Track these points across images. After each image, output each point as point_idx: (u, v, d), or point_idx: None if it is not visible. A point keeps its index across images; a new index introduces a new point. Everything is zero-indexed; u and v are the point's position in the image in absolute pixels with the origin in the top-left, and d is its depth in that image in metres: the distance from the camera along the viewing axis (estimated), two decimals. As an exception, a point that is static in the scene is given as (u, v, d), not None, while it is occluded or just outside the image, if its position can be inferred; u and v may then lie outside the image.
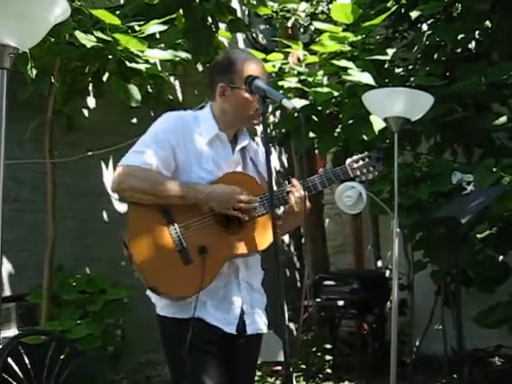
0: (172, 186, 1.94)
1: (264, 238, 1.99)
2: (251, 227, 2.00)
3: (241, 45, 5.74)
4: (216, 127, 2.05)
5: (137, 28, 3.39)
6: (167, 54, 3.39)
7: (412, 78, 4.05)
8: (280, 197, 2.03)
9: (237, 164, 2.09)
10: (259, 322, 2.08)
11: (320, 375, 4.75)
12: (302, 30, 5.95)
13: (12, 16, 1.50)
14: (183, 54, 3.49)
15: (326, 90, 4.05)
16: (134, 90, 3.34)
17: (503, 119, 3.80)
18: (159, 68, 3.70)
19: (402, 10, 4.44)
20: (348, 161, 2.16)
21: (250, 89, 1.92)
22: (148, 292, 2.07)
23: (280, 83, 4.16)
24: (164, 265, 1.92)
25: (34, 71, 3.02)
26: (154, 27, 3.39)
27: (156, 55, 3.34)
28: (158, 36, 3.53)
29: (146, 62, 3.34)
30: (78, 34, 3.11)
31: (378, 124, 3.68)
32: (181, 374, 1.98)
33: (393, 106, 2.86)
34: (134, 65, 3.28)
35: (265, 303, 2.13)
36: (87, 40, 3.11)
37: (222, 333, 1.99)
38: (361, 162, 2.15)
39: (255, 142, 2.24)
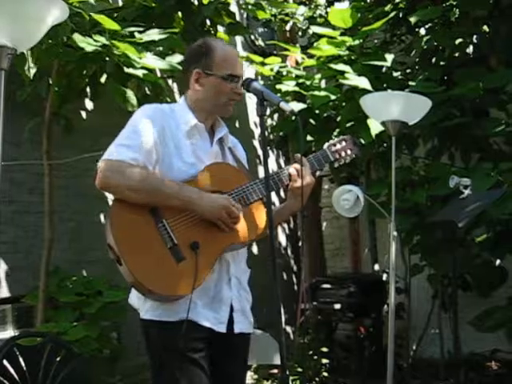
0: (162, 187, 1.88)
1: (256, 225, 1.97)
2: (243, 215, 1.95)
3: (239, 48, 5.75)
4: (193, 118, 2.00)
5: (136, 35, 3.39)
6: (164, 64, 3.39)
7: (410, 83, 4.06)
8: (276, 179, 2.03)
9: (216, 155, 2.04)
10: (246, 322, 2.04)
11: (316, 379, 4.74)
12: (300, 33, 5.96)
13: (9, 17, 1.50)
14: (180, 58, 3.49)
15: (323, 93, 4.06)
16: (131, 95, 3.34)
17: (501, 127, 3.81)
18: (157, 71, 3.70)
19: (400, 14, 4.45)
20: (326, 145, 2.18)
21: (247, 91, 1.90)
22: (131, 299, 2.00)
23: (278, 86, 4.17)
24: (156, 264, 1.84)
25: (33, 71, 3.02)
26: (153, 36, 3.40)
27: (153, 64, 3.34)
28: (156, 39, 3.53)
29: (144, 67, 3.34)
30: (77, 36, 3.11)
31: (375, 127, 3.69)
32: (165, 382, 1.92)
33: (390, 109, 2.87)
34: (131, 70, 3.28)
35: (251, 302, 2.08)
36: (86, 43, 3.11)
37: (211, 333, 1.92)
38: (338, 146, 2.19)
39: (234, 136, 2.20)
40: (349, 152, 2.19)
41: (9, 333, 3.77)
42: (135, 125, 1.95)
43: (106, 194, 4.41)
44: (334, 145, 2.18)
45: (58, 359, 2.62)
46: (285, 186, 2.06)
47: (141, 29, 3.45)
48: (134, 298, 1.97)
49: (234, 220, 1.92)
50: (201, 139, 2.02)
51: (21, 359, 2.53)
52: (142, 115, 1.97)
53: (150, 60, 3.33)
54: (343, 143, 2.19)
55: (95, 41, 3.15)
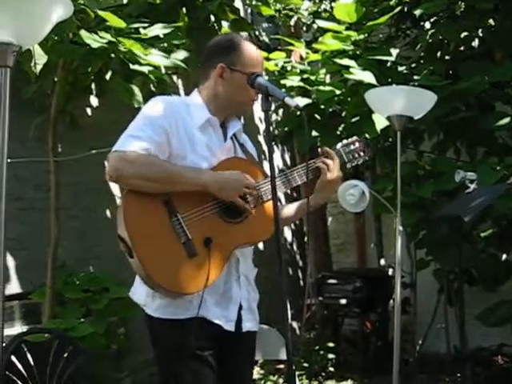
0: (175, 171, 1.85)
1: (271, 224, 1.90)
2: (256, 214, 1.93)
3: (243, 43, 5.74)
4: (207, 112, 1.97)
5: (141, 31, 3.40)
6: (169, 62, 3.40)
7: (415, 77, 4.05)
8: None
9: (229, 150, 2.01)
10: (253, 320, 2.03)
11: (323, 373, 4.75)
12: (304, 28, 5.95)
13: (14, 14, 1.50)
14: (184, 54, 3.49)
15: (328, 88, 4.06)
16: (137, 91, 3.35)
17: (507, 119, 3.80)
18: (162, 68, 3.71)
19: (405, 9, 4.44)
20: (339, 145, 2.17)
21: (252, 86, 1.89)
22: (134, 293, 1.97)
23: (282, 82, 4.17)
24: (168, 259, 1.81)
25: (39, 67, 3.02)
26: (158, 30, 3.41)
27: (158, 61, 3.34)
28: (161, 35, 3.53)
29: (150, 64, 3.34)
30: (83, 33, 3.11)
31: (380, 122, 3.68)
32: (172, 380, 1.91)
33: (396, 104, 2.87)
34: (136, 67, 3.29)
35: (257, 300, 2.07)
36: (92, 40, 3.11)
37: (220, 332, 1.91)
38: (352, 147, 2.18)
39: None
40: (362, 154, 2.18)
41: (16, 329, 3.79)
42: (147, 116, 1.91)
43: (113, 190, 4.44)
44: (348, 145, 2.17)
45: (65, 355, 2.63)
46: (309, 180, 2.03)
47: (145, 25, 3.45)
48: (141, 294, 1.93)
49: (253, 192, 1.90)
50: (214, 134, 1.99)
51: (28, 355, 2.54)
52: (153, 107, 1.93)
53: (156, 57, 3.33)
54: (356, 144, 2.18)
55: (101, 37, 3.16)
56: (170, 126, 1.88)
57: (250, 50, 1.99)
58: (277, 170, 5.81)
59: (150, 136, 1.85)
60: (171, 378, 1.92)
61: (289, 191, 5.68)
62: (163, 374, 1.95)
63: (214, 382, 1.90)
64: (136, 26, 3.40)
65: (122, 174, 1.83)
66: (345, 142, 2.18)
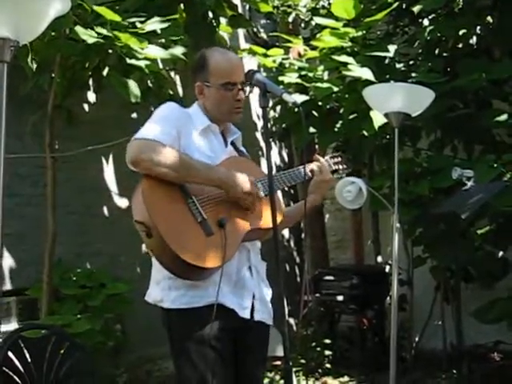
0: (192, 163, 1.96)
1: (278, 214, 1.99)
2: (263, 203, 2.04)
3: (241, 40, 5.74)
4: (207, 119, 2.11)
5: (138, 25, 3.39)
6: (166, 54, 3.40)
7: (413, 74, 4.05)
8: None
9: (231, 154, 2.15)
10: (266, 312, 2.10)
11: (319, 370, 4.76)
12: (302, 24, 5.94)
13: (11, 9, 1.50)
14: (182, 50, 3.48)
15: (326, 85, 4.05)
16: (134, 86, 3.34)
17: (504, 117, 3.80)
18: (160, 63, 3.69)
19: (403, 5, 4.43)
20: (326, 157, 2.34)
21: (250, 83, 1.95)
22: (150, 295, 2.03)
23: (280, 78, 4.16)
24: (188, 235, 1.90)
25: (35, 64, 3.02)
26: (155, 25, 3.40)
27: (155, 54, 3.34)
28: (158, 31, 3.52)
29: (146, 58, 3.34)
30: (79, 29, 3.11)
31: (378, 119, 3.68)
32: (189, 372, 1.96)
33: (393, 101, 2.86)
34: (133, 61, 3.28)
35: (270, 296, 2.14)
36: (88, 36, 3.11)
37: (235, 321, 1.99)
38: (336, 160, 2.36)
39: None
40: (345, 166, 2.37)
41: (13, 325, 3.79)
42: (161, 116, 2.04)
43: (109, 186, 4.43)
44: (333, 158, 2.36)
45: (62, 351, 2.63)
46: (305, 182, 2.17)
47: (142, 19, 3.44)
48: (157, 292, 2.01)
49: (255, 199, 2.00)
50: (215, 139, 2.12)
51: (25, 351, 2.54)
52: (166, 109, 2.08)
53: (152, 50, 3.33)
54: (339, 158, 2.37)
55: (97, 33, 3.15)
56: (180, 126, 2.02)
57: (220, 61, 2.09)
58: (274, 167, 5.80)
59: (165, 129, 1.98)
60: (185, 366, 1.97)
61: (286, 188, 5.69)
62: (178, 363, 2.01)
63: (227, 371, 1.96)
64: (133, 20, 3.39)
65: (142, 158, 1.91)
66: (330, 155, 2.38)
